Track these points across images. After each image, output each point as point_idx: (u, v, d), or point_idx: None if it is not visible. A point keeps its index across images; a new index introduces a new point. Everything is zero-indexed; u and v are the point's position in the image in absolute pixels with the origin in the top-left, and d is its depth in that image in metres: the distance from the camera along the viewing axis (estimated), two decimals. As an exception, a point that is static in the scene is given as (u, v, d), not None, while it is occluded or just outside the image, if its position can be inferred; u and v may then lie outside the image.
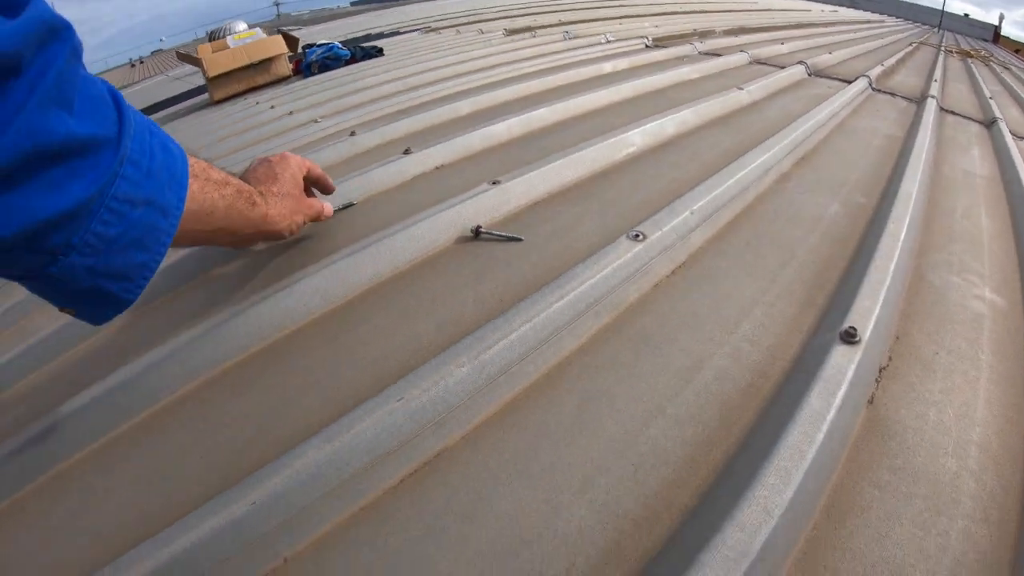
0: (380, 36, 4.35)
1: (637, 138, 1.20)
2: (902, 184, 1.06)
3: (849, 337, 0.59)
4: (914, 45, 5.07)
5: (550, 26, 3.62)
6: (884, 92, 2.20)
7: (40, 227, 0.41)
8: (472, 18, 4.66)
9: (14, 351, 0.77)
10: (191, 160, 0.56)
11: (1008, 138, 1.83)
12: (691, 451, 0.52)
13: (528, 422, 0.55)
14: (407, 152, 1.15)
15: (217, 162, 1.48)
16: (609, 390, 0.58)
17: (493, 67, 2.25)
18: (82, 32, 0.45)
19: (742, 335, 0.65)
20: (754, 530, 0.41)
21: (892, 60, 3.16)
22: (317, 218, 0.85)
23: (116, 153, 0.45)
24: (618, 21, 3.84)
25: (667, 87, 1.82)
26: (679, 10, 4.89)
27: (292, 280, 0.73)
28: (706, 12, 4.94)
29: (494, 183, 0.94)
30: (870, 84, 2.20)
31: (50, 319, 0.81)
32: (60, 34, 0.41)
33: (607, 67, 2.06)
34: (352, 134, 1.41)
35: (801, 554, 0.44)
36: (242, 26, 3.37)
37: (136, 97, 4.39)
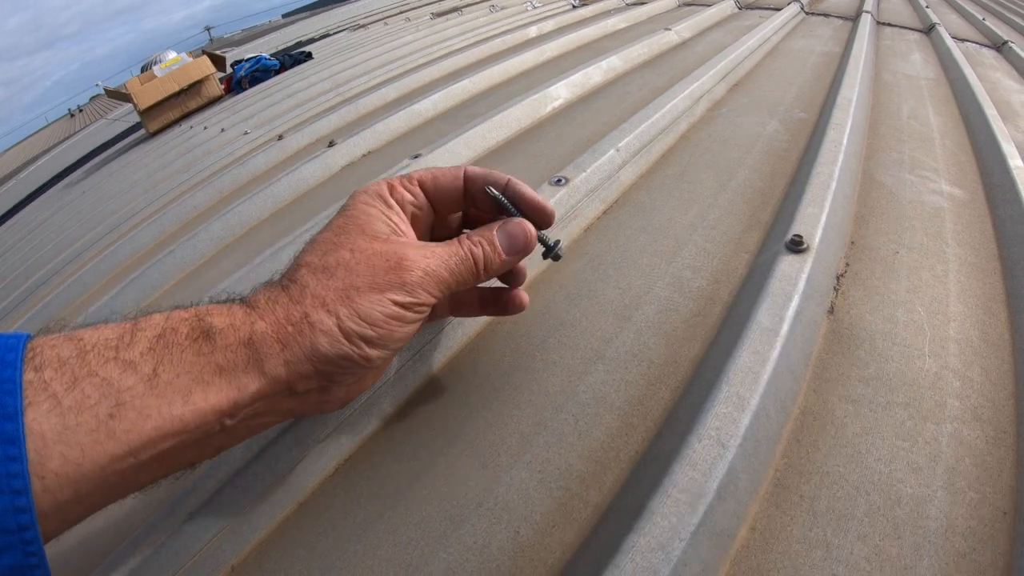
0: (310, 41, 4.25)
1: (563, 91, 1.14)
2: (840, 92, 1.01)
3: (795, 246, 0.53)
4: (845, -31, 5.04)
5: (476, 3, 3.54)
6: (817, 14, 2.15)
7: None
8: (399, 9, 4.57)
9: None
10: (45, 341, 0.28)
11: (949, 40, 1.80)
12: (635, 393, 0.46)
13: (457, 390, 0.49)
14: (331, 145, 1.09)
15: (159, 192, 1.45)
16: (543, 343, 0.52)
17: (419, 51, 2.19)
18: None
19: (683, 263, 0.60)
20: (708, 467, 0.35)
21: (823, -16, 3.12)
22: (489, 271, 0.40)
23: None
24: (544, -12, 3.77)
25: (594, 40, 1.76)
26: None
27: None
28: (634, -32, 4.89)
29: (415, 157, 0.89)
30: (802, 8, 2.16)
31: None
32: None
33: (532, 31, 2.00)
34: (280, 138, 1.36)
35: (772, 486, 0.39)
36: (171, 55, 3.27)
37: (77, 147, 4.26)
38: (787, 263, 0.52)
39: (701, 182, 0.75)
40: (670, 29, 1.63)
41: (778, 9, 2.09)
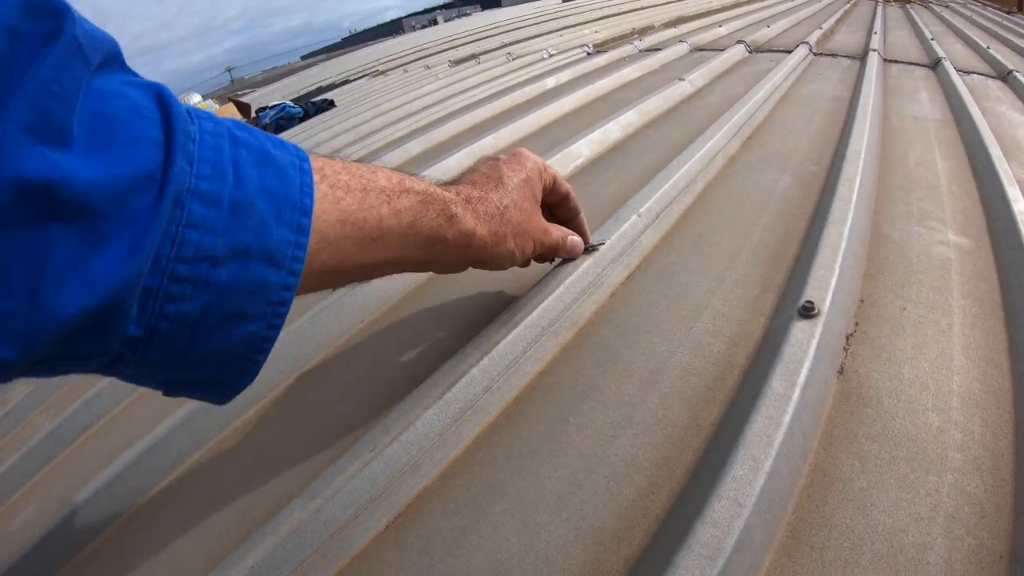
0: (331, 87, 4.38)
1: (583, 148, 1.20)
2: (850, 144, 1.05)
3: (807, 312, 0.58)
4: (852, 2, 5.12)
5: (493, 50, 3.64)
6: (825, 55, 2.21)
7: (66, 331, 0.25)
8: (418, 55, 4.69)
9: (14, 457, 0.78)
10: (330, 165, 0.39)
11: (954, 75, 1.84)
12: (662, 455, 0.50)
13: (498, 452, 0.54)
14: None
15: None
16: (576, 407, 0.57)
17: (440, 101, 2.26)
18: None
19: (703, 328, 0.65)
20: (727, 524, 0.40)
21: (831, 21, 3.19)
22: (556, 252, 0.64)
23: (161, 194, 0.27)
24: (559, 33, 3.87)
25: (610, 91, 1.83)
26: (618, 11, 4.94)
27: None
28: (644, 8, 4.99)
29: None
30: (810, 50, 2.22)
31: (48, 419, 0.82)
32: (43, 19, 0.24)
33: (550, 82, 2.07)
34: None
35: (785, 539, 0.43)
36: (196, 98, 3.40)
37: None
38: (799, 329, 0.56)
39: (718, 244, 0.80)
40: (683, 79, 1.69)
41: (787, 51, 2.15)
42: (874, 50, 2.14)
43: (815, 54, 2.22)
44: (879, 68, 1.92)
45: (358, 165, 0.41)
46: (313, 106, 3.16)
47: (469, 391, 0.56)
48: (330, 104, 3.19)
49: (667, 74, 1.93)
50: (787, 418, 0.47)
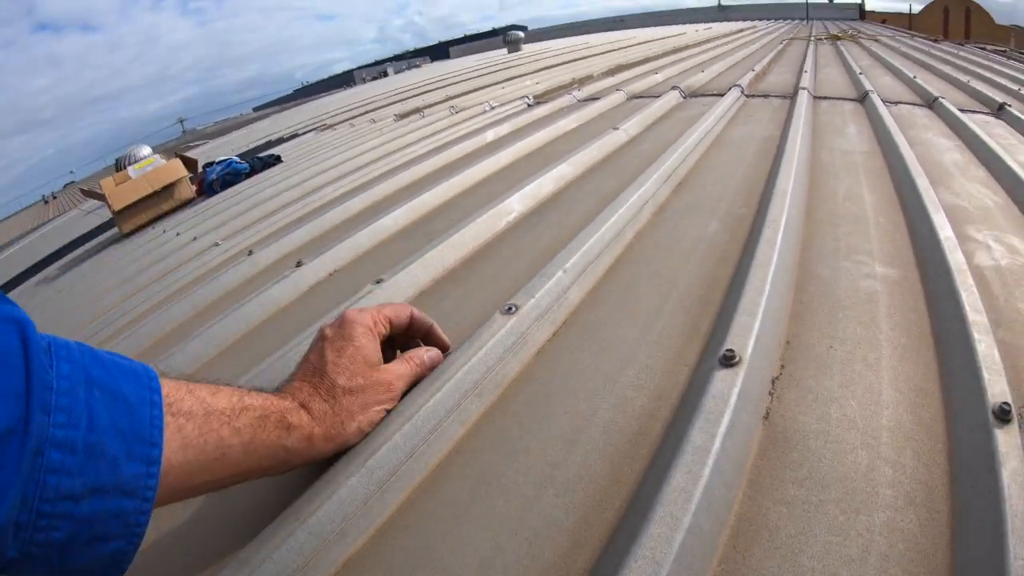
0: (280, 141, 4.37)
1: (516, 204, 1.20)
2: (776, 183, 1.07)
3: (727, 361, 0.57)
4: (785, 42, 5.32)
5: (438, 103, 3.69)
6: (757, 96, 2.28)
7: None
8: (365, 108, 4.73)
9: None
10: (175, 391, 0.42)
11: (880, 107, 1.90)
12: (583, 514, 0.49)
13: (423, 518, 0.52)
14: (299, 265, 1.13)
15: (136, 302, 1.48)
16: (499, 470, 0.55)
17: (383, 157, 2.27)
18: None
19: (627, 382, 0.63)
20: (645, 586, 0.38)
21: (764, 62, 3.30)
22: (418, 379, 0.62)
23: (23, 446, 0.31)
24: (501, 86, 3.94)
25: (546, 143, 1.85)
26: (560, 61, 5.06)
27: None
28: (586, 58, 5.12)
29: (378, 282, 0.93)
30: (742, 92, 2.28)
31: None
32: None
33: (489, 135, 2.09)
34: (250, 253, 1.39)
35: (710, 596, 0.41)
36: (146, 151, 3.35)
37: (51, 237, 4.27)
38: (720, 378, 0.55)
39: (645, 295, 0.79)
40: (618, 128, 1.72)
41: (720, 95, 2.20)
42: (804, 88, 2.21)
43: (747, 96, 2.29)
44: (809, 105, 1.98)
45: (201, 387, 0.45)
46: (260, 161, 3.14)
47: (392, 458, 0.54)
48: (276, 159, 3.17)
49: (603, 123, 1.96)
50: (707, 470, 0.46)
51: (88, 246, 3.15)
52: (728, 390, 0.54)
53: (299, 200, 1.93)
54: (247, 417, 0.46)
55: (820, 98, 2.29)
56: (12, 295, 2.64)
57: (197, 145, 4.96)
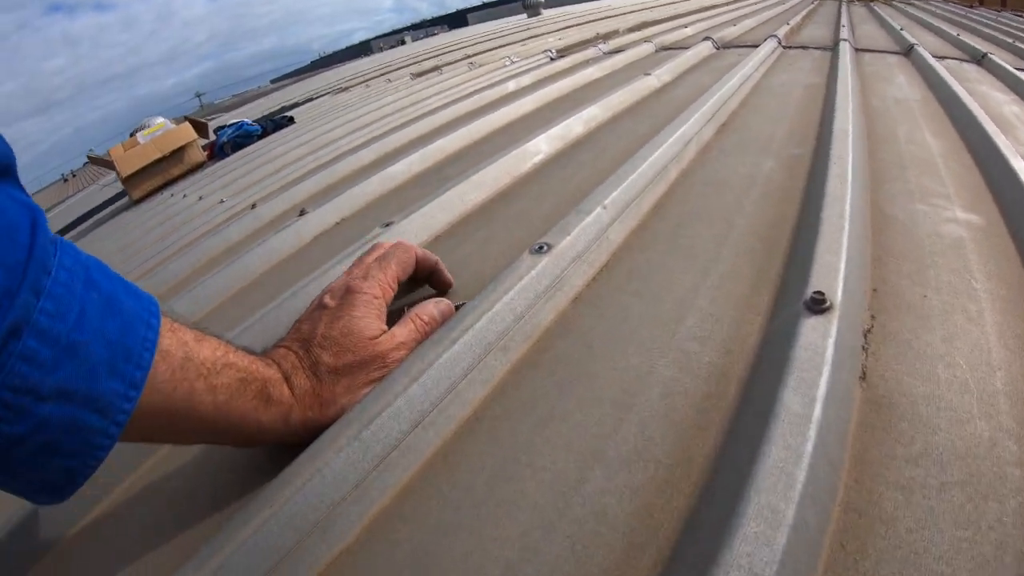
0: (295, 106, 4.25)
1: (543, 145, 1.09)
2: (835, 123, 0.95)
3: (817, 305, 0.46)
4: (816, 2, 5.12)
5: (455, 62, 3.55)
6: (795, 47, 2.14)
7: None
8: (381, 71, 4.59)
9: None
10: (167, 325, 0.38)
11: (931, 59, 1.77)
12: (643, 502, 0.38)
13: (431, 505, 0.41)
14: (302, 214, 1.03)
15: (137, 262, 1.41)
16: (530, 443, 0.44)
17: (397, 111, 2.16)
18: None
19: (687, 333, 0.52)
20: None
21: (797, 18, 3.14)
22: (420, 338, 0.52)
23: (2, 318, 0.29)
24: (522, 43, 3.79)
25: (572, 91, 1.73)
26: (583, 21, 4.88)
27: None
28: (609, 17, 4.93)
29: (386, 225, 0.82)
30: (779, 43, 2.14)
31: None
32: None
33: (511, 85, 1.97)
34: (253, 207, 1.31)
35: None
36: (159, 120, 3.24)
37: (69, 212, 4.20)
38: (810, 327, 0.45)
39: (699, 235, 0.68)
40: (649, 74, 1.59)
41: (755, 46, 2.06)
42: (845, 40, 2.06)
43: (784, 47, 2.14)
44: (852, 56, 1.84)
45: (185, 329, 0.40)
46: (272, 123, 3.04)
47: (394, 428, 0.43)
48: (289, 120, 3.07)
49: (632, 71, 1.83)
50: (809, 445, 0.35)
51: (99, 216, 3.06)
52: (822, 341, 0.43)
53: (308, 156, 1.83)
54: (228, 376, 0.40)
55: (862, 51, 2.14)
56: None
57: (215, 117, 4.88)
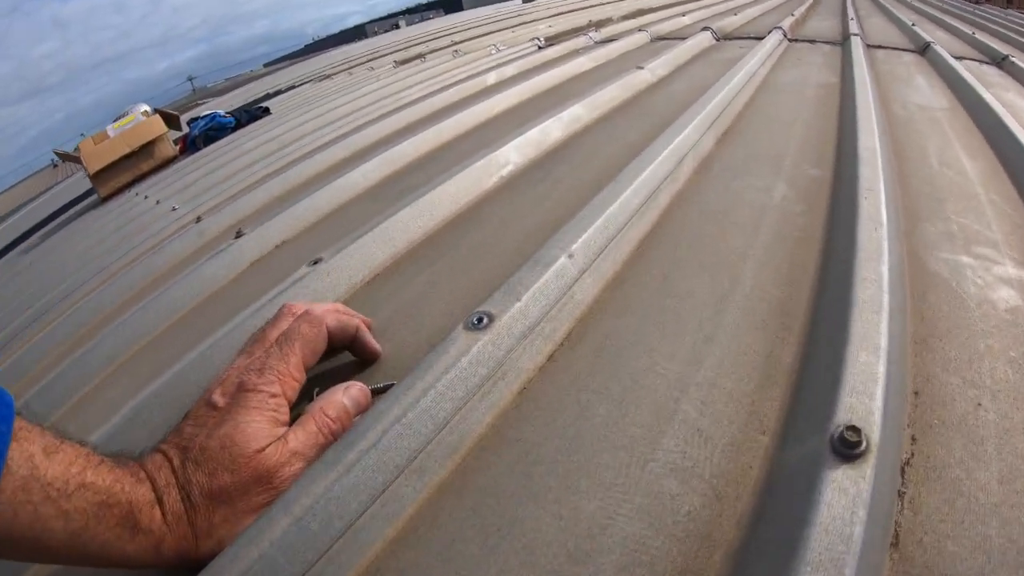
0: (278, 93, 4.08)
1: (513, 154, 0.93)
2: (859, 138, 0.80)
3: (848, 447, 0.31)
4: (819, -8, 4.94)
5: (441, 49, 3.38)
6: (802, 40, 1.98)
7: None
8: (368, 57, 4.41)
9: None
10: (15, 429, 0.33)
11: (951, 60, 1.61)
12: None
13: None
14: (239, 235, 0.89)
15: (88, 273, 1.27)
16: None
17: (373, 103, 2.01)
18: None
19: (664, 460, 0.37)
20: None
21: (802, 9, 2.97)
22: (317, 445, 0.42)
23: None
24: (511, 30, 3.61)
25: (557, 85, 1.56)
26: (576, 8, 4.69)
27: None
28: (604, 4, 4.74)
29: (314, 263, 0.68)
30: (785, 36, 1.98)
31: None
32: None
33: (491, 78, 1.80)
34: (198, 220, 1.17)
35: None
36: (142, 108, 3.08)
37: (53, 200, 4.05)
38: (837, 481, 0.30)
39: (693, 292, 0.53)
40: (643, 67, 1.43)
41: (759, 38, 1.90)
42: (855, 34, 1.91)
43: (790, 40, 1.98)
44: (865, 53, 1.68)
45: (37, 435, 0.34)
46: (246, 114, 2.88)
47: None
48: (265, 111, 2.90)
49: (625, 63, 1.67)
50: None
51: (69, 214, 2.91)
52: (851, 503, 0.29)
53: (269, 156, 1.68)
54: (83, 499, 0.34)
55: (874, 47, 1.99)
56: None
57: (206, 102, 4.74)
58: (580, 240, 0.55)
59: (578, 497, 0.36)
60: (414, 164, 1.11)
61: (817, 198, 0.70)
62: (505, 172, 0.90)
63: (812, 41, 1.96)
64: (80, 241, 1.89)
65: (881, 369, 0.37)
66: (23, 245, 2.75)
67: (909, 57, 1.83)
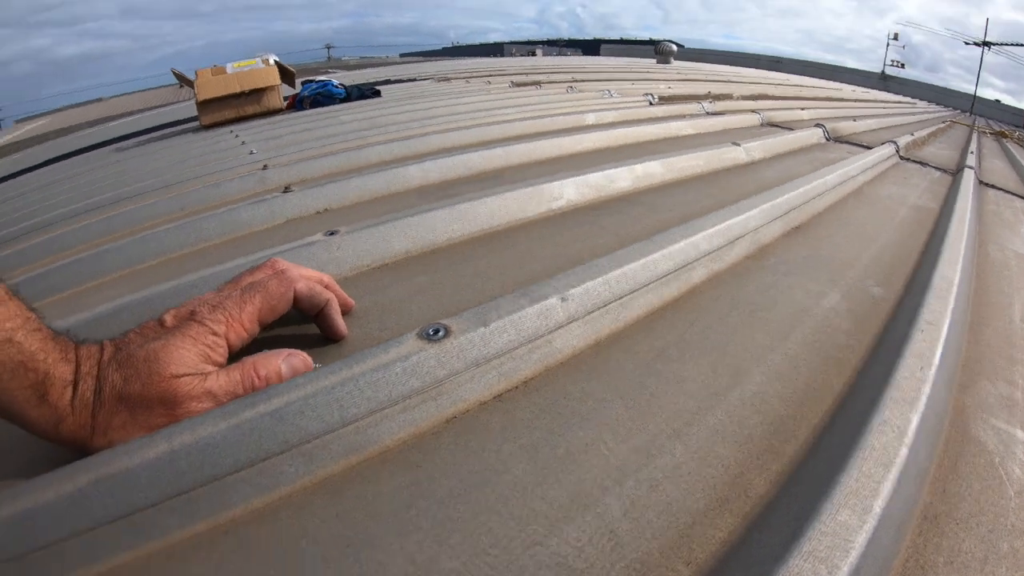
0: (398, 82, 4.17)
1: (569, 190, 0.88)
2: (937, 267, 0.72)
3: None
4: (947, 123, 4.76)
5: (559, 83, 3.38)
6: (914, 161, 1.87)
7: None
8: (489, 73, 4.47)
9: None
10: None
11: (1069, 216, 1.49)
12: None
13: None
14: (287, 190, 0.92)
15: (161, 183, 1.30)
16: None
17: (470, 112, 2.01)
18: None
19: (551, 556, 0.31)
20: None
21: (924, 132, 2.84)
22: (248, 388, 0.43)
23: None
24: (631, 83, 3.58)
25: (648, 140, 1.51)
26: (704, 78, 4.64)
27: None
28: (732, 82, 4.68)
29: (330, 233, 0.67)
30: (897, 151, 1.88)
31: None
32: None
33: (590, 118, 1.76)
34: (264, 168, 1.20)
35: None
36: (272, 58, 3.22)
37: (166, 115, 4.23)
38: None
39: (683, 379, 0.46)
40: (739, 144, 1.37)
41: (869, 147, 1.81)
42: (970, 167, 1.79)
43: (902, 157, 1.88)
44: (975, 187, 1.58)
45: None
46: (357, 90, 2.97)
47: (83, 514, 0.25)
48: (375, 93, 2.98)
49: (722, 138, 1.60)
50: None
51: (170, 130, 3.03)
52: None
53: (359, 132, 1.69)
54: (5, 352, 0.36)
55: (987, 185, 1.87)
56: (89, 155, 2.77)
57: (335, 72, 4.91)
58: (581, 286, 0.49)
59: (441, 549, 0.31)
60: (473, 176, 1.08)
61: (869, 320, 0.62)
62: (555, 205, 0.85)
63: (924, 164, 1.85)
64: (164, 156, 1.97)
65: (861, 539, 0.30)
66: (120, 143, 2.90)
67: (1022, 204, 1.71)
